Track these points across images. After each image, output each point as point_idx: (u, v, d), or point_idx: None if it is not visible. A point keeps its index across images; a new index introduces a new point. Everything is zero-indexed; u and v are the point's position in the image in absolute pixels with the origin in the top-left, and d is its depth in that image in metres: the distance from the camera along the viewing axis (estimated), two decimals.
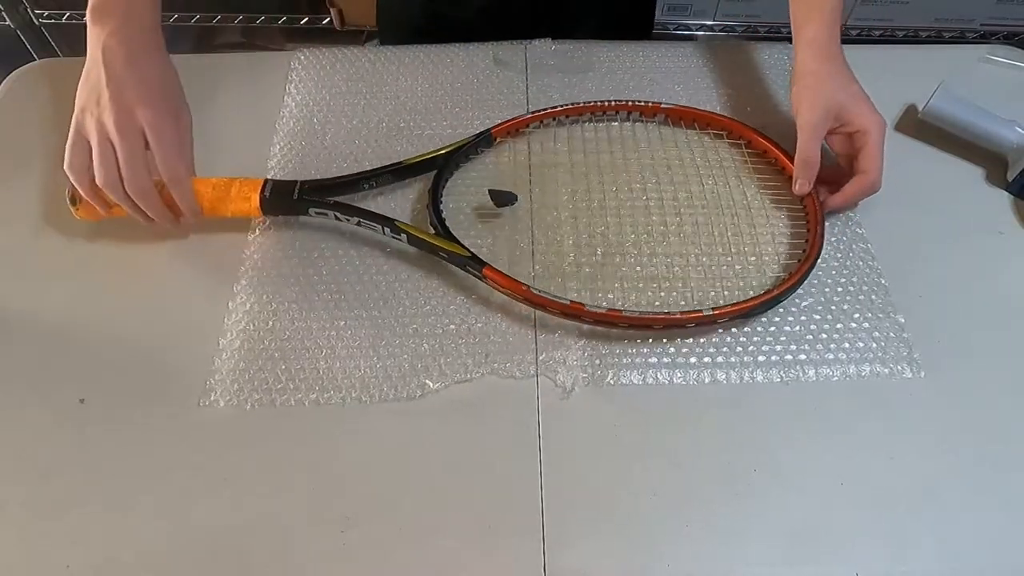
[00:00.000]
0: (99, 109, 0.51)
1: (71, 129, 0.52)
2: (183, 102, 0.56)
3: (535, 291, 0.51)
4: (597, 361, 0.51)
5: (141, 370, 0.51)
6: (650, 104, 0.66)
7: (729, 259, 0.57)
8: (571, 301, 0.51)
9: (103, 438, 0.48)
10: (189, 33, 1.53)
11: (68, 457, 0.48)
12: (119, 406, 0.50)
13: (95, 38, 0.53)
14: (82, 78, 0.54)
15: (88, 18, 0.53)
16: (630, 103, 0.66)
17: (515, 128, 0.65)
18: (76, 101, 0.53)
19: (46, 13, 1.45)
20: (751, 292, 0.55)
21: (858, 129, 0.57)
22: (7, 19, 1.43)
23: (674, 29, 1.48)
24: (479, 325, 0.53)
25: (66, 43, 1.50)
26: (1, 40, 1.47)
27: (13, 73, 0.71)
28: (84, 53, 0.54)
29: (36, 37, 1.48)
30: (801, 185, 0.58)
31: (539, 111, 0.65)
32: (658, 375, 0.51)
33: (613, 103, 0.66)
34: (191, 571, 0.44)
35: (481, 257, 0.53)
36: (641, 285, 0.55)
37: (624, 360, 0.51)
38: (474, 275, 0.54)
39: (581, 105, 0.66)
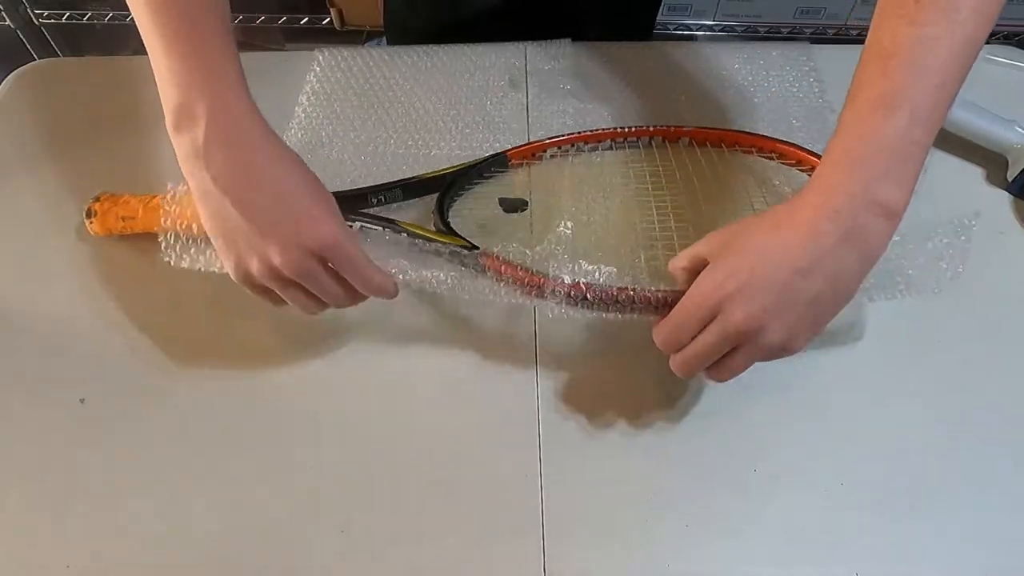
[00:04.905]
0: (254, 255, 0.41)
1: (244, 287, 0.44)
2: (320, 182, 0.45)
3: (536, 272, 0.47)
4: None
5: (141, 370, 0.51)
6: (672, 128, 0.63)
7: None
8: (575, 281, 0.46)
9: (103, 438, 0.48)
10: None
11: (68, 457, 0.48)
12: (119, 406, 0.50)
13: (188, 153, 0.41)
14: (201, 212, 0.42)
15: (171, 131, 0.42)
16: (651, 128, 0.63)
17: (532, 152, 0.62)
18: (219, 251, 0.43)
19: (46, 13, 1.44)
20: None
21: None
22: (7, 19, 1.43)
23: (674, 29, 1.48)
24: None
25: (66, 43, 1.49)
26: (1, 40, 1.46)
27: (13, 73, 0.71)
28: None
29: (36, 37, 1.48)
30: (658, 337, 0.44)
31: (558, 137, 0.62)
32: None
33: (633, 129, 0.63)
34: (191, 571, 0.44)
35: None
36: None
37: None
38: (475, 268, 0.50)
39: (600, 131, 0.63)
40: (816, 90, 0.69)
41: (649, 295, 0.45)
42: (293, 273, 0.42)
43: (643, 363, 0.51)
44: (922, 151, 0.39)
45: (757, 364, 0.51)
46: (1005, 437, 0.49)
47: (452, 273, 0.49)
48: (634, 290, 0.45)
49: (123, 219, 0.56)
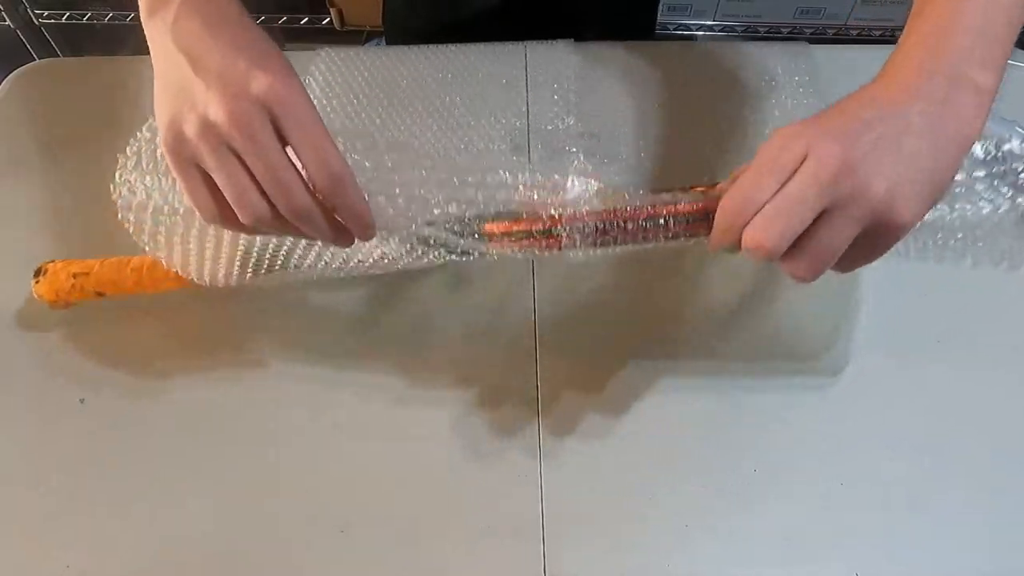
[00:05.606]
0: (194, 110, 0.34)
1: (168, 161, 0.36)
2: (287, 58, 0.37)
3: (548, 216, 0.40)
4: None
5: (141, 370, 0.51)
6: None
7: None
8: (599, 209, 0.39)
9: (103, 438, 0.49)
10: None
11: (68, 457, 0.48)
12: (119, 406, 0.50)
13: (159, 32, 0.37)
14: (156, 93, 0.37)
15: (144, 20, 0.38)
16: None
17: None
18: (158, 122, 0.36)
19: (46, 13, 1.45)
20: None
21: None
22: (7, 19, 1.43)
23: (674, 29, 1.48)
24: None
25: (66, 43, 1.49)
26: (1, 40, 1.46)
27: (13, 73, 0.71)
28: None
29: (36, 37, 1.48)
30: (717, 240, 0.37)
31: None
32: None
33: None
34: (192, 571, 0.44)
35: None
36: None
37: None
38: (476, 245, 0.43)
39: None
40: (812, 90, 0.69)
41: (695, 206, 0.37)
42: (232, 127, 0.33)
43: (643, 363, 0.51)
44: (1002, 44, 0.36)
45: (760, 363, 0.51)
46: (1005, 437, 0.49)
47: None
48: (675, 203, 0.37)
49: (75, 276, 0.49)
